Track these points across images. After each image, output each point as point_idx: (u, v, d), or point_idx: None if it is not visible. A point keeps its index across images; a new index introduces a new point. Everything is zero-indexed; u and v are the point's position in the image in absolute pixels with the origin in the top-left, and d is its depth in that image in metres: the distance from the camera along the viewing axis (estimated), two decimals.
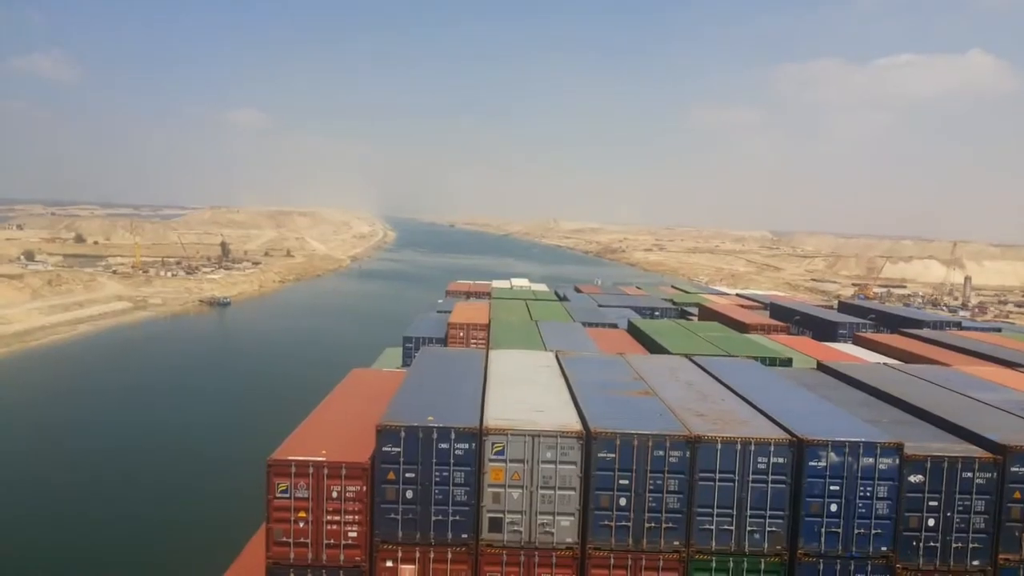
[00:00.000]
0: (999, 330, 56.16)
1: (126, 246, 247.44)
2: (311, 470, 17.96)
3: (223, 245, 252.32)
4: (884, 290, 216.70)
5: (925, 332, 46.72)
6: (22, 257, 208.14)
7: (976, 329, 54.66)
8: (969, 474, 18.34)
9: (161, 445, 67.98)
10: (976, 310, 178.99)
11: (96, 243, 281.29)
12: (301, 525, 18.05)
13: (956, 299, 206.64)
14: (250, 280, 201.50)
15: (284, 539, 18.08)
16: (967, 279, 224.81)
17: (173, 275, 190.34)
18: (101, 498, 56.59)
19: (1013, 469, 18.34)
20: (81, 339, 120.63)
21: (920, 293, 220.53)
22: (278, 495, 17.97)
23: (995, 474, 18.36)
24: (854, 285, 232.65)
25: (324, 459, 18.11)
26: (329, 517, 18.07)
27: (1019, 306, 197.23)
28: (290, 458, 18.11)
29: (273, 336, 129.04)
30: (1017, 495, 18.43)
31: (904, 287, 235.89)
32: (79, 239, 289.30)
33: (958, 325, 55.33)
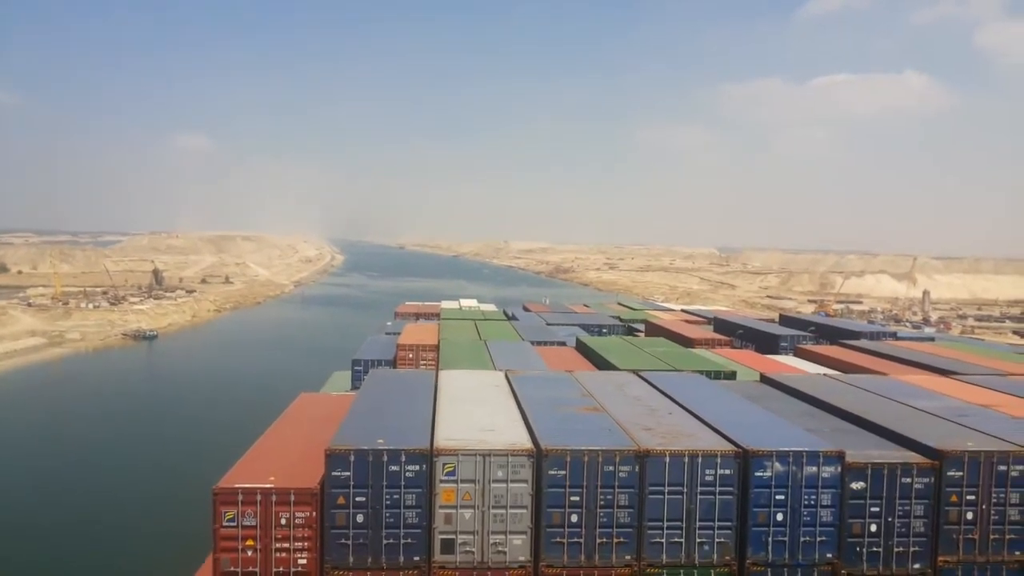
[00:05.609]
0: (932, 339, 58.29)
1: (53, 275, 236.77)
2: (259, 497, 17.66)
3: (155, 272, 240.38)
4: (843, 306, 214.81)
5: (863, 343, 48.13)
6: None
7: (911, 339, 56.57)
8: (908, 479, 18.94)
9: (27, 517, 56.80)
10: (941, 326, 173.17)
11: (20, 272, 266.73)
12: (249, 554, 17.70)
13: (916, 314, 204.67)
14: (182, 310, 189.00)
15: (231, 568, 17.70)
16: (926, 293, 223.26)
17: (96, 307, 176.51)
18: None
19: (949, 473, 19.01)
20: None
21: (879, 309, 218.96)
22: (225, 524, 17.61)
23: (932, 479, 19.00)
24: (811, 301, 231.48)
25: (272, 486, 17.83)
26: (278, 545, 17.77)
27: (980, 320, 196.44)
28: (237, 486, 17.78)
29: (198, 375, 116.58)
30: (954, 498, 19.08)
31: (861, 303, 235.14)
32: (1, 268, 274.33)
33: (893, 335, 57.12)
